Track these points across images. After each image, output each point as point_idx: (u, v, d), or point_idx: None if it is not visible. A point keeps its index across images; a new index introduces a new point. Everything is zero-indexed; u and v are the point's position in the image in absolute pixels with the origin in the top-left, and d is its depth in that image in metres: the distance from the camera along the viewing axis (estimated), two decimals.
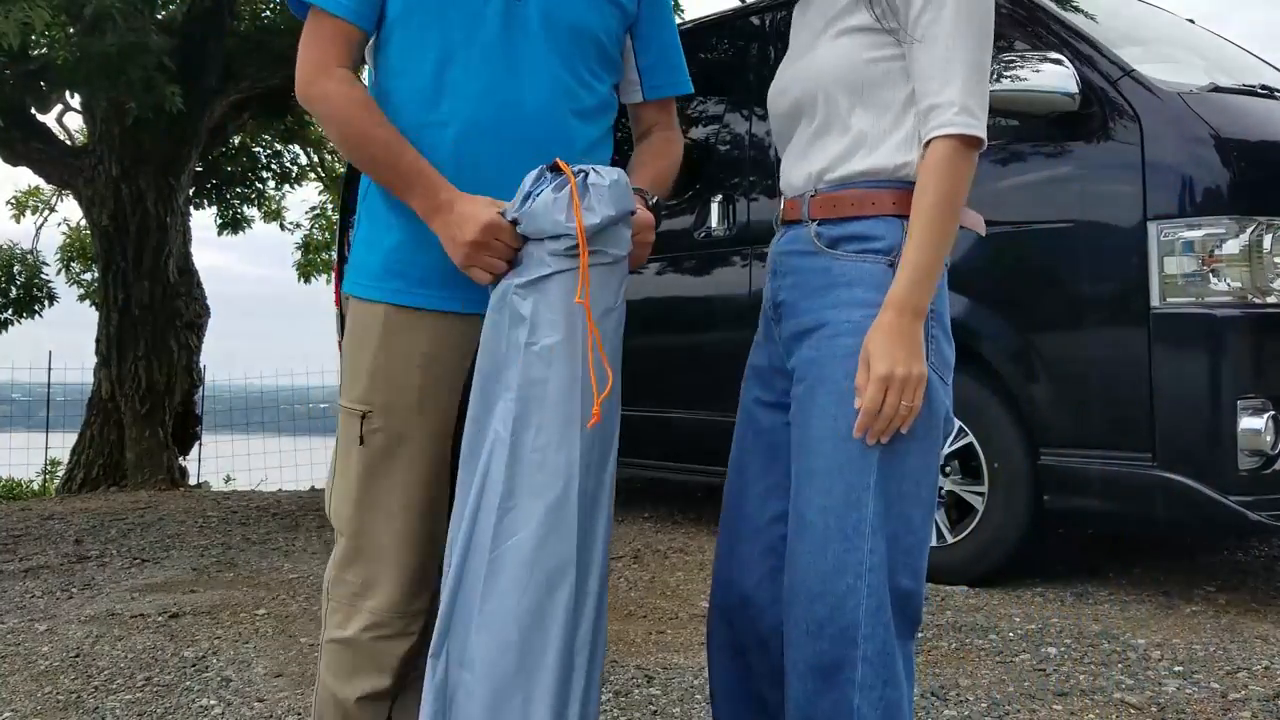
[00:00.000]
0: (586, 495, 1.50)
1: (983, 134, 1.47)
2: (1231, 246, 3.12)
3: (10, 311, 10.99)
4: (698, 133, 4.63)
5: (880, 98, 1.52)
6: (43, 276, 11.23)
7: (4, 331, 11.04)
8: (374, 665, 1.64)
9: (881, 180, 1.52)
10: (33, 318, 11.17)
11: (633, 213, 1.55)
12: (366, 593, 1.63)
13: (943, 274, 1.51)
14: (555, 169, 1.51)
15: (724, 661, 1.67)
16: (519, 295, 1.50)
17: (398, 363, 1.62)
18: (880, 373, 1.41)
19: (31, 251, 11.33)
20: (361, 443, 1.62)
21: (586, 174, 1.50)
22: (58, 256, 11.98)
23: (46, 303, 11.20)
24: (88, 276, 11.62)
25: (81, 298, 11.54)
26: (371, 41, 1.66)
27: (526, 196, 1.50)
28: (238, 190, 11.22)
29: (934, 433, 1.49)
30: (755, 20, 4.59)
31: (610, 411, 1.54)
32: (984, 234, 1.64)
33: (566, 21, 1.63)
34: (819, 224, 1.53)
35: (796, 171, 1.60)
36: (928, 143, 1.47)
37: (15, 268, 11.05)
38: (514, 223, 1.51)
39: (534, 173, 1.52)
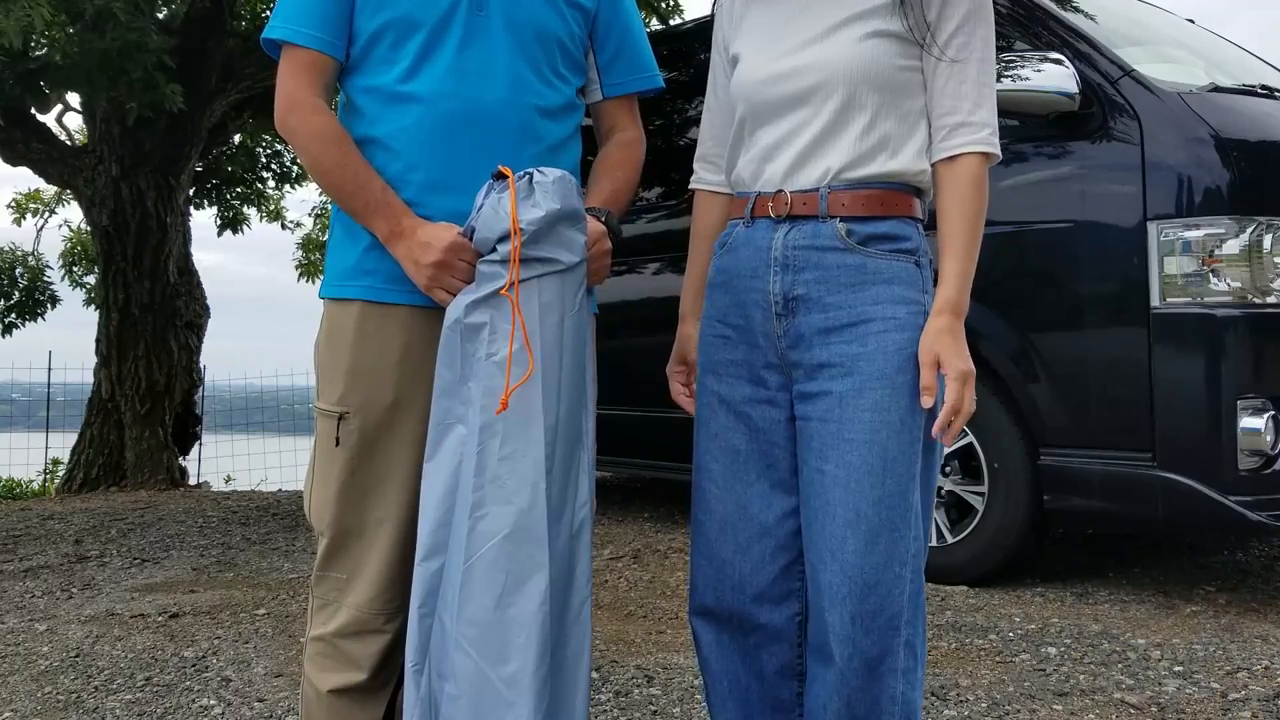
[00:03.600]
0: (553, 499, 1.53)
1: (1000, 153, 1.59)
2: (1231, 246, 3.12)
3: (14, 315, 10.98)
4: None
5: (903, 105, 1.58)
6: (45, 279, 11.21)
7: (9, 335, 11.04)
8: (351, 661, 1.67)
9: (903, 183, 1.59)
10: (35, 320, 11.17)
11: (581, 215, 1.60)
12: (349, 588, 1.67)
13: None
14: (501, 176, 1.58)
15: (734, 667, 1.66)
16: (474, 310, 1.55)
17: (373, 361, 1.65)
18: (963, 370, 1.49)
19: (33, 254, 11.31)
20: (337, 444, 1.65)
21: (531, 175, 1.57)
22: (60, 260, 11.97)
23: (49, 305, 11.19)
24: (90, 279, 11.60)
25: (86, 302, 11.53)
26: (344, 67, 1.70)
27: (479, 208, 1.58)
28: (238, 190, 11.20)
29: None
30: None
31: (572, 414, 1.58)
32: None
33: (529, 24, 1.68)
34: (846, 221, 1.57)
35: (802, 164, 1.60)
36: (954, 156, 1.55)
37: (18, 270, 11.04)
38: (471, 234, 1.57)
39: (484, 187, 1.59)
